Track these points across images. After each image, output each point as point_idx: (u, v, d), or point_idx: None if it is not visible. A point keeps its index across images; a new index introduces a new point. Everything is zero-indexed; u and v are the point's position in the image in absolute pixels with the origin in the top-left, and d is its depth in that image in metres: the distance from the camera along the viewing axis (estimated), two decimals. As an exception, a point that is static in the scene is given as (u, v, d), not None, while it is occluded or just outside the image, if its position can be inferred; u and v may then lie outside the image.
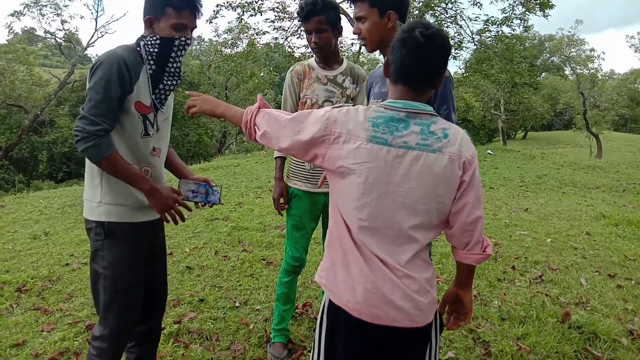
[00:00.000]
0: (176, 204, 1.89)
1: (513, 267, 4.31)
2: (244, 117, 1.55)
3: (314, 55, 2.65)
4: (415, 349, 1.46)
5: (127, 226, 1.88)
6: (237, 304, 3.39)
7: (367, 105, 1.61)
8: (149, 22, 1.83)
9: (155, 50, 1.84)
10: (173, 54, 1.88)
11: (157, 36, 1.83)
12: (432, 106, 1.92)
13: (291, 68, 2.67)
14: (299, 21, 2.63)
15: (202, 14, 1.91)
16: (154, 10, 1.82)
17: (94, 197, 1.88)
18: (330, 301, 1.46)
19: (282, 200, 2.68)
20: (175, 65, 1.92)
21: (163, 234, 2.20)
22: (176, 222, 1.91)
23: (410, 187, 1.34)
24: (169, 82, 1.94)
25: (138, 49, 1.86)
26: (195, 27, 1.91)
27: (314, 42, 2.49)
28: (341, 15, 2.62)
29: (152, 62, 1.86)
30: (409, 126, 1.35)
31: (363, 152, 1.34)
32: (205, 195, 2.04)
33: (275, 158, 2.72)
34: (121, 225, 1.87)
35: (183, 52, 1.90)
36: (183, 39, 1.85)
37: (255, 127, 1.53)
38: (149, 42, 1.84)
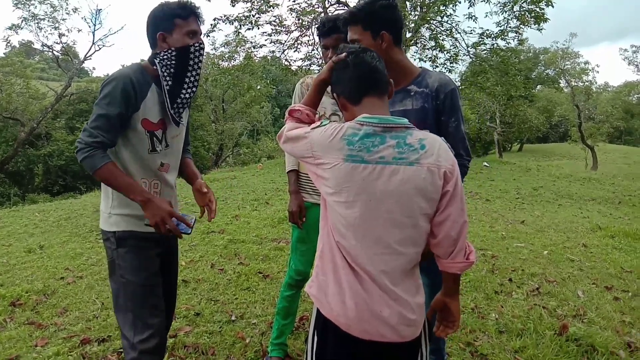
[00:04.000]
0: (171, 220, 1.84)
1: (510, 280, 4.30)
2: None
3: None
4: None
5: (137, 235, 1.92)
6: (233, 318, 3.37)
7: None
8: (162, 38, 1.90)
9: (173, 62, 1.91)
10: (191, 62, 1.95)
11: (172, 48, 1.90)
12: (440, 118, 1.93)
13: (301, 80, 2.69)
14: (317, 36, 2.65)
15: (203, 20, 1.99)
16: (164, 26, 1.90)
17: (106, 208, 1.95)
18: (318, 312, 1.47)
19: (301, 213, 2.59)
20: (194, 73, 1.98)
21: (176, 243, 2.24)
22: (168, 234, 1.86)
23: (391, 202, 1.35)
24: (188, 94, 1.99)
25: (154, 67, 1.92)
26: (202, 32, 2.00)
27: (330, 57, 2.50)
28: None
29: (169, 77, 1.92)
30: (385, 140, 1.36)
31: (341, 173, 1.36)
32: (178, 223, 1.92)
33: (287, 172, 2.69)
34: (131, 234, 1.92)
35: (200, 57, 1.97)
36: (197, 44, 1.94)
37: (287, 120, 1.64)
38: (165, 57, 1.90)
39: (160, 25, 1.91)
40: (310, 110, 1.59)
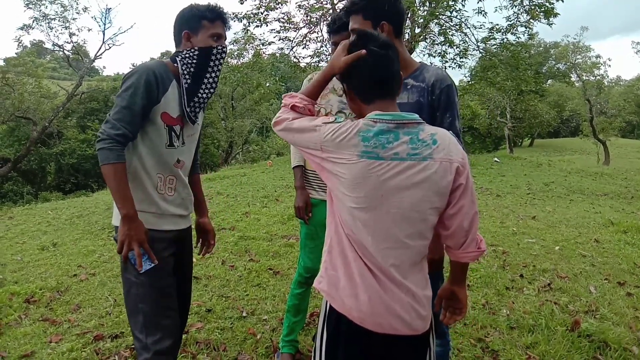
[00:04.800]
0: (139, 246, 1.79)
1: (521, 276, 4.28)
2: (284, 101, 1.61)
3: None
4: (415, 355, 1.47)
5: (151, 235, 1.88)
6: (244, 314, 3.39)
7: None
8: (187, 37, 1.96)
9: (194, 61, 1.95)
10: (211, 63, 1.99)
11: (195, 47, 1.94)
12: (436, 114, 1.93)
13: (309, 77, 2.67)
14: (328, 33, 2.64)
15: (229, 27, 2.05)
16: (190, 25, 1.96)
17: None
18: (330, 308, 1.47)
19: (307, 208, 2.59)
20: (213, 75, 2.01)
21: (191, 244, 2.23)
22: (124, 258, 1.81)
23: (404, 197, 1.36)
24: (205, 94, 2.01)
25: (175, 65, 1.96)
26: (226, 37, 2.04)
27: None
28: None
29: (188, 75, 1.95)
30: (399, 136, 1.37)
31: (355, 169, 1.36)
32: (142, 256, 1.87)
33: (294, 168, 2.69)
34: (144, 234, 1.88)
35: (221, 60, 2.01)
36: (220, 47, 1.98)
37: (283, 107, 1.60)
38: (187, 55, 1.95)
39: (187, 24, 1.97)
40: (312, 104, 1.58)
